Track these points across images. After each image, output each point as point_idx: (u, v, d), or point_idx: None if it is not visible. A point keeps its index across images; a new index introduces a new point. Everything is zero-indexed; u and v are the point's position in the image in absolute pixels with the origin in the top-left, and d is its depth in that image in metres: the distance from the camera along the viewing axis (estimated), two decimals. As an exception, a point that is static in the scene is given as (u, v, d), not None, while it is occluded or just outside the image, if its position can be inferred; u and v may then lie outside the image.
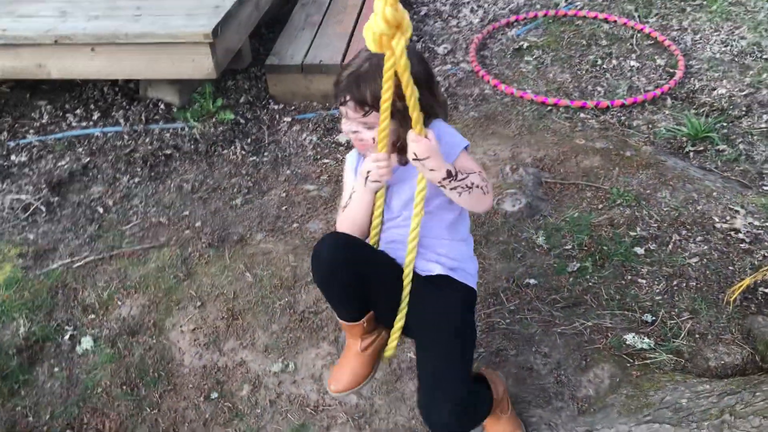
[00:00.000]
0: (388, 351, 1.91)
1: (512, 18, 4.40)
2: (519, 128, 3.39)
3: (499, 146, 3.22)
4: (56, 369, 2.53)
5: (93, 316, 2.67)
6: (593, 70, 3.87)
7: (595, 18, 4.34)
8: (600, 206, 2.85)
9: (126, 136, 3.58)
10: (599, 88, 3.71)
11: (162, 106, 3.74)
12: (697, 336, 2.28)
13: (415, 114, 1.50)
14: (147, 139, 3.55)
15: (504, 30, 4.34)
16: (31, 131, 3.72)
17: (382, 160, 1.69)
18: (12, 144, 3.65)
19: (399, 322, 1.81)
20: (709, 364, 2.18)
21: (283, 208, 3.09)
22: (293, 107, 3.78)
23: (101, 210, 3.17)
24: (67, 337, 2.62)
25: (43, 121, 3.78)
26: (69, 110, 3.85)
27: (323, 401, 2.29)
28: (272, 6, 4.15)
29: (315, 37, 3.95)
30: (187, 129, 3.56)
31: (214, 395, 2.37)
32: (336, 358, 2.40)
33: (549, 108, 3.54)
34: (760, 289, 2.40)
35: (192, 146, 3.48)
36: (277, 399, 2.32)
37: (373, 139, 1.69)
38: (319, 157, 3.40)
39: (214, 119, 3.58)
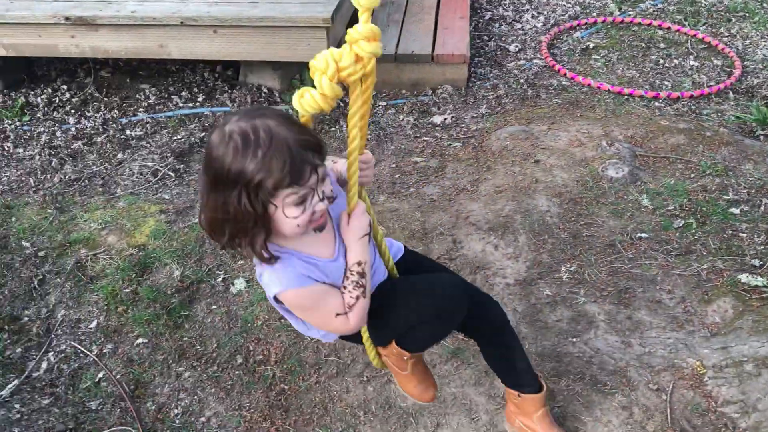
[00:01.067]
0: None
1: (574, 23, 4.77)
2: (604, 112, 3.72)
3: (589, 126, 3.55)
4: (214, 306, 2.77)
5: (242, 262, 2.92)
6: (657, 68, 4.23)
7: (649, 25, 4.72)
8: (692, 176, 3.17)
9: (234, 115, 3.85)
10: (666, 83, 4.07)
11: (264, 90, 4.02)
12: (803, 275, 2.59)
13: (357, 188, 1.56)
14: (255, 118, 3.82)
15: (568, 33, 4.70)
16: (141, 110, 3.98)
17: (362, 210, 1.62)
18: (125, 120, 3.90)
19: None
20: (819, 297, 2.49)
21: (396, 176, 3.37)
22: (384, 94, 4.09)
23: (226, 176, 3.43)
24: (219, 279, 2.86)
25: (150, 101, 4.05)
26: (174, 93, 4.12)
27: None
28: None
29: (401, 32, 4.28)
30: (291, 110, 3.83)
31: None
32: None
33: (625, 97, 3.88)
34: None
35: (299, 124, 3.75)
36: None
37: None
38: (418, 135, 3.69)
39: (315, 102, 3.86)
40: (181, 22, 3.60)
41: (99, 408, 2.44)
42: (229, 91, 4.06)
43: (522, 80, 4.13)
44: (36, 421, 2.41)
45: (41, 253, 3.01)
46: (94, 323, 2.75)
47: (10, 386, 2.52)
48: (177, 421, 2.41)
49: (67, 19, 3.65)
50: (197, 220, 3.12)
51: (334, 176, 1.66)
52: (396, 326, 1.82)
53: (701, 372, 2.29)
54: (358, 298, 1.60)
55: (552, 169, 3.23)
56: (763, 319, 2.39)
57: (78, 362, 2.61)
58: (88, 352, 2.64)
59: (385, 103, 3.98)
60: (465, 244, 2.89)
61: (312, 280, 1.56)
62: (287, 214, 1.45)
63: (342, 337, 1.87)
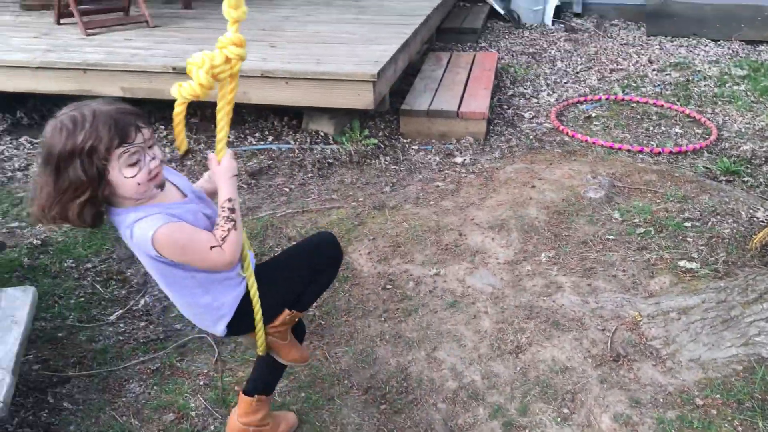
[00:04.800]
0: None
1: (581, 98, 5.70)
2: (594, 158, 4.56)
3: (580, 166, 4.38)
4: (271, 271, 3.60)
5: (295, 242, 3.77)
6: (646, 133, 5.08)
7: (646, 102, 5.60)
8: (657, 201, 3.94)
9: (296, 151, 4.82)
10: (652, 143, 4.90)
11: (321, 134, 5.00)
12: (730, 263, 3.30)
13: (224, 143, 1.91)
14: (313, 153, 4.78)
15: (575, 106, 5.62)
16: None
17: None
18: (209, 153, 4.89)
19: None
20: (737, 276, 3.19)
21: (421, 194, 4.23)
22: (417, 141, 5.02)
23: (287, 190, 4.35)
24: (277, 253, 3.70)
25: (230, 139, 5.06)
26: (249, 134, 5.13)
27: (467, 291, 3.32)
28: (398, 77, 5.50)
29: (434, 96, 5.26)
30: (342, 149, 4.79)
31: (389, 287, 3.41)
32: (474, 270, 3.44)
33: (615, 150, 4.72)
34: (774, 244, 3.44)
35: (347, 158, 4.69)
36: (434, 289, 3.35)
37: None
38: (441, 169, 4.57)
39: (361, 143, 4.81)
40: (261, 74, 4.64)
41: (182, 328, 3.25)
42: (293, 134, 5.05)
43: (531, 136, 5.02)
44: (135, 334, 3.23)
45: (143, 232, 3.91)
46: (180, 278, 3.59)
47: (116, 313, 3.36)
48: (240, 338, 3.19)
49: (173, 69, 4.74)
50: (262, 214, 4.02)
51: (199, 189, 2.03)
52: (293, 290, 2.19)
53: (638, 320, 3.00)
54: (230, 230, 1.82)
55: (544, 192, 4.05)
56: (690, 287, 3.10)
57: (168, 302, 3.44)
58: (174, 297, 3.48)
59: (417, 147, 4.90)
60: (468, 237, 3.70)
61: (194, 217, 1.81)
62: (126, 174, 1.69)
63: (234, 331, 2.11)
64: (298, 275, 2.21)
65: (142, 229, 1.73)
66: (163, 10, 6.28)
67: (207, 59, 1.71)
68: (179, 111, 1.80)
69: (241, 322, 2.10)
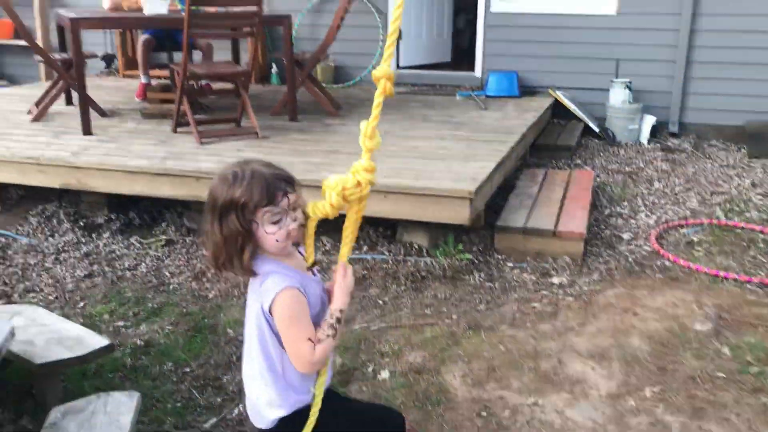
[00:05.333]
0: None
1: (683, 221, 5.56)
2: (698, 287, 4.39)
3: (684, 294, 4.23)
4: (363, 388, 3.57)
5: (388, 359, 3.74)
6: (754, 262, 4.87)
7: (752, 229, 5.41)
8: (771, 337, 3.73)
9: (390, 262, 4.87)
10: (761, 273, 4.68)
11: (415, 246, 5.05)
12: None
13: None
14: (406, 265, 4.81)
15: (676, 229, 5.48)
16: (320, 253, 5.11)
17: None
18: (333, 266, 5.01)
19: None
20: None
21: (517, 315, 4.16)
22: (512, 258, 4.98)
23: (380, 302, 4.37)
24: (370, 369, 3.69)
25: (327, 248, 5.18)
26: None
27: (566, 424, 3.18)
28: (493, 194, 5.55)
29: (530, 214, 5.26)
30: (436, 262, 4.81)
31: (484, 414, 3.31)
32: (574, 402, 3.31)
33: (720, 279, 4.53)
34: None
35: (441, 272, 4.70)
36: (531, 420, 3.23)
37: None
38: (537, 289, 4.50)
39: (455, 258, 4.82)
40: (362, 188, 4.78)
41: (274, 441, 3.24)
42: (388, 244, 5.12)
43: (631, 259, 4.91)
44: (228, 444, 3.24)
45: (240, 338, 3.99)
46: (274, 389, 3.61)
47: (211, 422, 3.38)
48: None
49: (279, 179, 4.95)
50: (356, 327, 4.04)
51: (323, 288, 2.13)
52: None
53: (757, 472, 2.78)
54: (328, 337, 1.95)
55: (647, 320, 3.91)
56: (815, 438, 2.87)
57: (260, 412, 3.45)
58: (267, 407, 3.49)
59: (511, 265, 4.86)
60: (568, 365, 3.58)
61: (305, 292, 1.94)
62: (267, 231, 1.89)
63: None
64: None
65: (274, 281, 1.92)
66: (270, 122, 6.65)
67: (340, 183, 1.89)
68: (311, 227, 2.00)
69: (288, 428, 2.08)
